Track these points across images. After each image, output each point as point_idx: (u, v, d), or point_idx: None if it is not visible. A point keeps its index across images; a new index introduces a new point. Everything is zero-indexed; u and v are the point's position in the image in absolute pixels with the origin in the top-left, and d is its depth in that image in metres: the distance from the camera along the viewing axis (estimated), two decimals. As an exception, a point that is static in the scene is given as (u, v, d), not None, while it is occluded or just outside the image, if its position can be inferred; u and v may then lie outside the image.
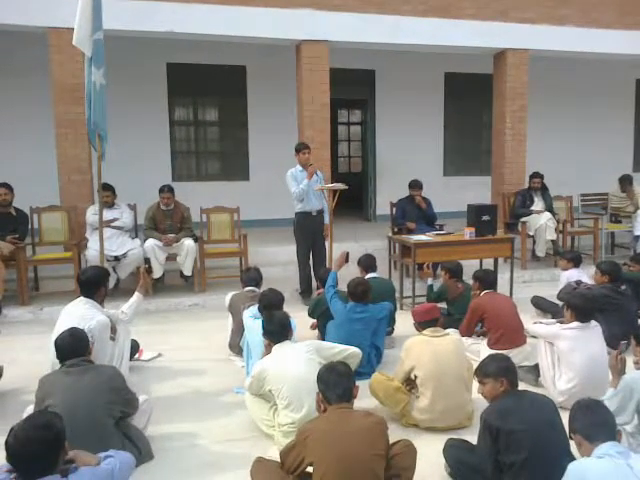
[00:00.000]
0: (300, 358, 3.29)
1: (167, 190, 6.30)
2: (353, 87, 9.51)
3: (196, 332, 5.34)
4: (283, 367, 3.24)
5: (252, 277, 4.77)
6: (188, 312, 6.03)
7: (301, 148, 6.10)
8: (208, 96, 9.10)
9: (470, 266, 5.93)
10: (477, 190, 9.10)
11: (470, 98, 9.98)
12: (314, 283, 5.95)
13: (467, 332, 4.58)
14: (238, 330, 4.45)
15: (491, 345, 4.35)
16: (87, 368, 3.00)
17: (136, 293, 4.25)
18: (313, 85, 7.14)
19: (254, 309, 4.19)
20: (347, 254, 4.88)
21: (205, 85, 8.90)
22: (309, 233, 6.05)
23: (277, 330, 3.41)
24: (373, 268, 5.13)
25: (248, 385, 3.46)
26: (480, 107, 9.97)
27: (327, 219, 5.99)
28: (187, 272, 6.25)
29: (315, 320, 4.93)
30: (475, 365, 3.09)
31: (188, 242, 6.15)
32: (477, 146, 10.36)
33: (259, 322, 3.89)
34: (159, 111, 8.74)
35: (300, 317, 4.77)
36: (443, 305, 5.15)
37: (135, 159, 8.40)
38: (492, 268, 5.93)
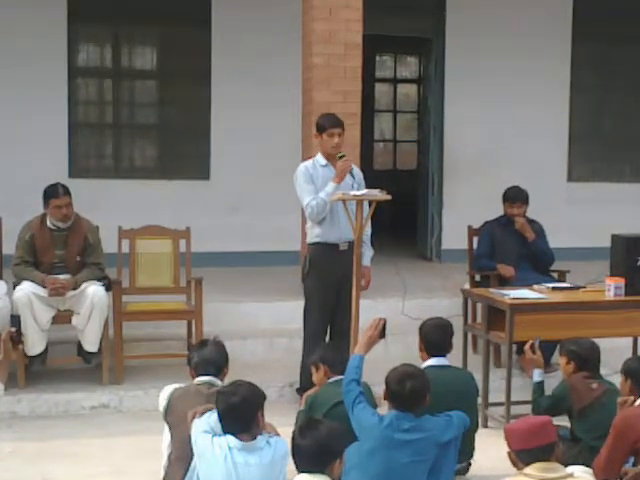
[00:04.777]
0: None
1: (64, 193, 6.30)
2: (406, 18, 9.68)
3: (103, 457, 5.33)
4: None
5: (210, 358, 4.76)
6: (89, 419, 6.03)
7: (327, 125, 5.98)
8: (141, 25, 9.28)
9: (615, 350, 5.89)
10: (631, 209, 9.11)
11: (619, 46, 10.10)
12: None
13: (609, 472, 4.53)
14: (182, 456, 4.43)
15: (653, 500, 4.33)
16: None
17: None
18: (333, 10, 7.13)
19: (213, 418, 4.18)
20: (384, 323, 4.89)
21: (136, 6, 9.07)
22: (333, 282, 6.02)
23: (310, 452, 3.49)
24: (444, 349, 5.15)
25: None
26: (637, 63, 10.07)
27: (368, 258, 6.07)
28: (90, 346, 6.27)
29: None
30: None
31: (94, 290, 6.19)
32: (631, 130, 10.41)
33: (221, 442, 3.88)
34: (51, 49, 8.88)
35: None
36: (564, 421, 5.14)
37: (3, 136, 8.53)
38: (656, 355, 5.91)
